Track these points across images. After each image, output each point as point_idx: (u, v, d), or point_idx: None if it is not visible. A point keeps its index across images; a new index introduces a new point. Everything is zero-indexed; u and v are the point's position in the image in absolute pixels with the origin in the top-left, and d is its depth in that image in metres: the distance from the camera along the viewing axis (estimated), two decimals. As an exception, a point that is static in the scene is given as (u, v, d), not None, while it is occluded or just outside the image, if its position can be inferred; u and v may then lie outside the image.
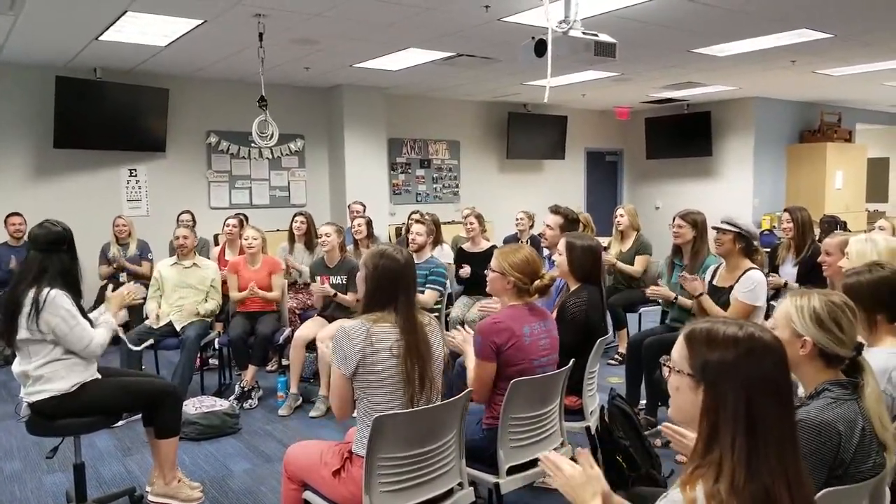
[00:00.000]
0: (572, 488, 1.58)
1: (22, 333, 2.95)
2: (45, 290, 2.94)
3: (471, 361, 2.86)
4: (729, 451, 1.27)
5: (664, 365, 1.47)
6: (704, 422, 1.34)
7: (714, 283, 4.00)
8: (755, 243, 3.95)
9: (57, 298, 2.94)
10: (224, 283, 5.41)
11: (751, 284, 3.74)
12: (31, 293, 2.93)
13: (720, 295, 3.89)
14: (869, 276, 2.35)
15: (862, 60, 7.57)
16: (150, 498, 3.42)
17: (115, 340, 3.88)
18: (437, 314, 5.21)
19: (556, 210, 4.66)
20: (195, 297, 5.08)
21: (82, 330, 3.01)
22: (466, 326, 3.12)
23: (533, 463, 2.81)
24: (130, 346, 4.59)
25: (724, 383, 1.32)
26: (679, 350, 1.42)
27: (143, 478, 3.70)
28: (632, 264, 5.97)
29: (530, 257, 2.89)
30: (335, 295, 4.94)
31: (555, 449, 2.94)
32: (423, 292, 5.02)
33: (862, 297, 2.29)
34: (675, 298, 4.26)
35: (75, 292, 3.06)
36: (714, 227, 3.95)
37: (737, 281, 3.81)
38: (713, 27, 5.96)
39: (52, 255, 3.02)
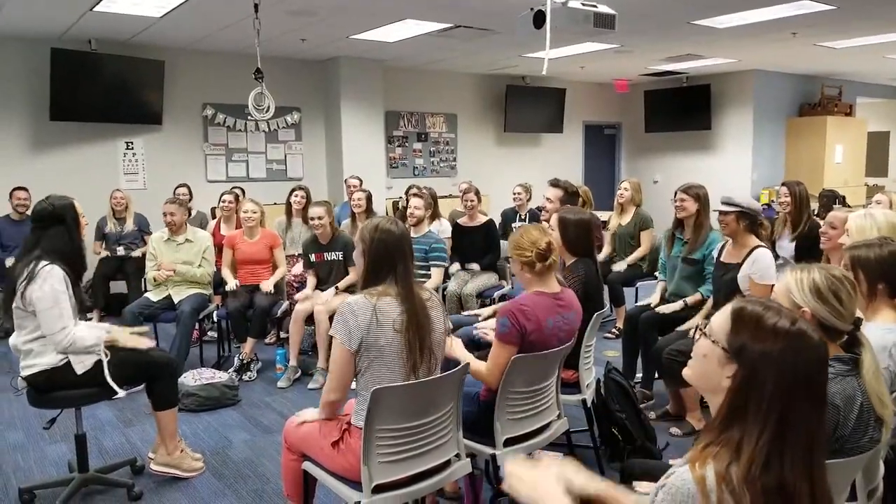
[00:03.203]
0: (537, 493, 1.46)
1: (14, 302, 2.96)
2: (42, 263, 2.93)
3: (468, 359, 2.75)
4: (754, 440, 1.24)
5: (700, 329, 1.42)
6: (729, 401, 1.31)
7: (721, 259, 3.99)
8: (759, 217, 3.92)
9: (49, 273, 2.92)
10: (219, 254, 5.41)
11: (761, 266, 3.68)
12: (30, 265, 2.94)
13: (726, 271, 3.87)
14: (879, 250, 2.36)
15: (863, 33, 7.50)
16: (153, 467, 3.46)
17: (118, 311, 3.89)
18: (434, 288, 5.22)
19: (556, 183, 4.66)
20: (191, 271, 5.04)
21: (58, 316, 2.94)
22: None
23: (530, 435, 2.84)
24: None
25: (765, 373, 1.28)
26: (722, 322, 1.37)
27: (144, 448, 3.75)
28: (631, 238, 5.98)
29: (526, 232, 2.87)
30: (337, 290, 4.96)
31: (549, 423, 2.96)
32: (427, 272, 5.04)
33: (868, 268, 2.33)
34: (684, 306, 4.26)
35: (74, 270, 3.05)
36: (716, 210, 3.92)
37: (744, 259, 3.76)
38: (714, -2, 5.90)
39: (44, 231, 3.01)
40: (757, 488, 1.21)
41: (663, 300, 4.47)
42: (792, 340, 1.29)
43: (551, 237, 2.90)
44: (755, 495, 1.21)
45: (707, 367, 1.38)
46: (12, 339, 3.06)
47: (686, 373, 1.45)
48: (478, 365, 2.76)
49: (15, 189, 6.50)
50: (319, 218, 5.07)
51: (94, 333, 3.09)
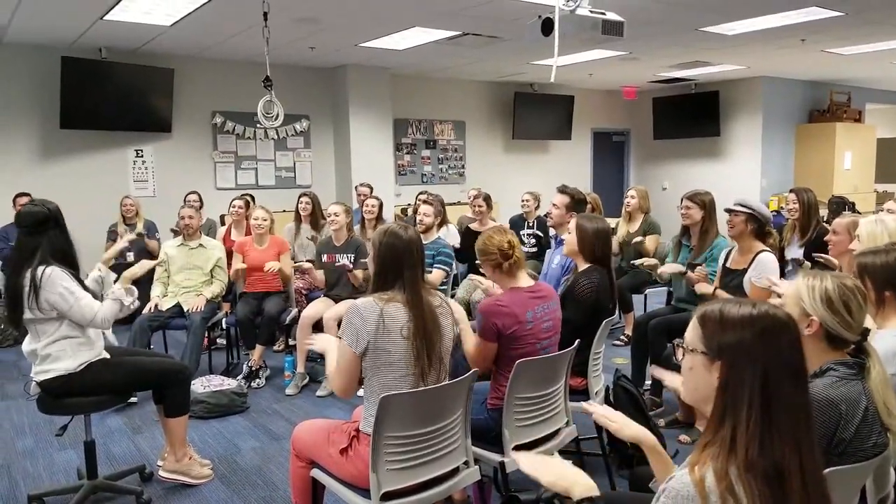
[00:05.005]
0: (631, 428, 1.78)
1: (26, 314, 2.97)
2: (41, 268, 2.94)
3: (468, 334, 2.89)
4: (744, 427, 1.26)
5: (678, 347, 1.47)
6: (719, 400, 1.33)
7: (727, 265, 3.98)
8: (768, 225, 3.91)
9: (53, 275, 2.94)
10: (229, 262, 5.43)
11: (763, 269, 3.70)
12: (28, 274, 2.94)
13: (733, 277, 3.86)
14: (886, 257, 2.35)
15: (872, 39, 7.48)
16: (161, 474, 3.47)
17: (128, 319, 3.89)
18: (442, 295, 5.21)
19: (562, 190, 4.65)
20: (201, 277, 5.10)
21: (84, 305, 3.00)
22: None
23: (538, 442, 2.84)
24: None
25: (742, 362, 1.31)
26: (693, 331, 1.41)
27: (153, 456, 3.75)
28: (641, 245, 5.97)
29: (488, 238, 2.94)
30: (351, 270, 4.95)
31: (558, 429, 2.96)
32: (430, 272, 5.03)
33: (875, 275, 2.32)
34: (685, 273, 4.23)
35: (72, 269, 3.07)
36: (726, 210, 3.92)
37: (749, 264, 3.77)
38: (722, 5, 5.89)
39: (39, 235, 3.01)
40: (756, 474, 1.23)
41: (673, 308, 4.47)
42: (759, 322, 1.33)
43: (511, 236, 2.95)
44: (753, 484, 1.22)
45: (696, 378, 1.40)
46: (27, 346, 3.07)
47: (683, 394, 1.48)
48: (471, 346, 2.87)
49: (18, 195, 6.44)
50: (336, 214, 5.10)
51: (108, 302, 3.10)
